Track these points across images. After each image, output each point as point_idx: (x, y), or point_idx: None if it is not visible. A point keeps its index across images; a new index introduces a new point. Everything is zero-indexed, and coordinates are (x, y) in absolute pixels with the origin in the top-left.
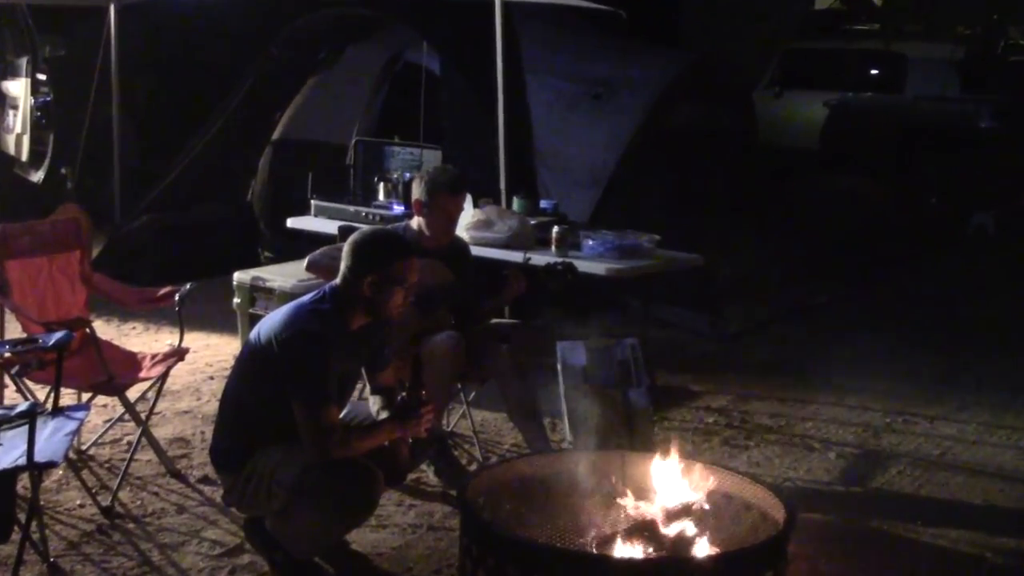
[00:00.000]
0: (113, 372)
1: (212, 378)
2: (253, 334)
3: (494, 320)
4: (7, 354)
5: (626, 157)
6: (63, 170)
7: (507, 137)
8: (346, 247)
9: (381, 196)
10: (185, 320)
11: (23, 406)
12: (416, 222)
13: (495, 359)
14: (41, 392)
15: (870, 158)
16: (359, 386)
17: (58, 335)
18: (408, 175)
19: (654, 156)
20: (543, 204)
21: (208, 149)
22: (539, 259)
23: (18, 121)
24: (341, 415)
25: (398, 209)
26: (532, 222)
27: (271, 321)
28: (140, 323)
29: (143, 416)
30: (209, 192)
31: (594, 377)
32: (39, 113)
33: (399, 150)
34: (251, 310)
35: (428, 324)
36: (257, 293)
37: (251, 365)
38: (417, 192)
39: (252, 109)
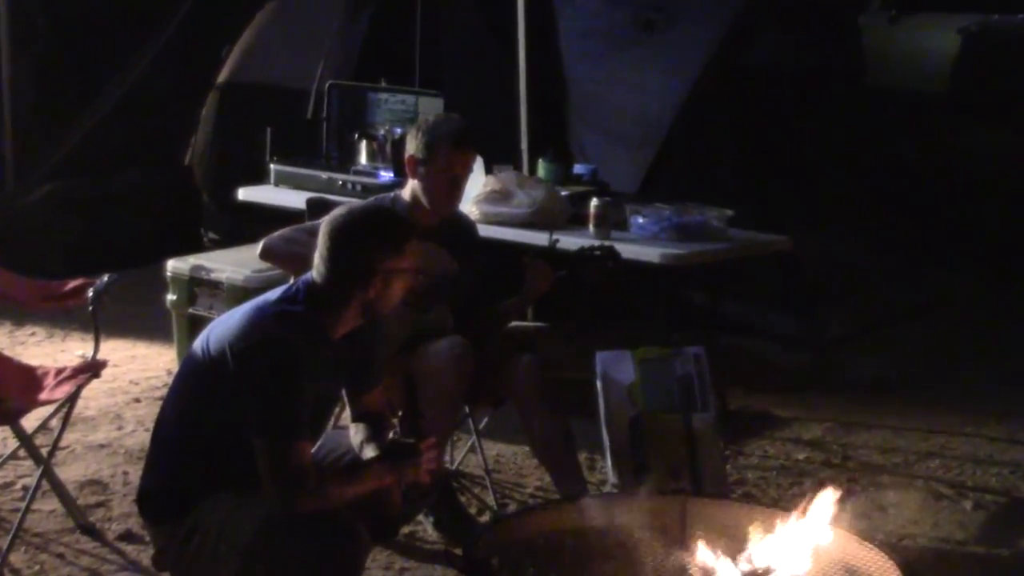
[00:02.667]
0: (4, 393)
1: (139, 401)
2: (198, 343)
3: (512, 323)
4: None
5: (688, 107)
6: None
7: (530, 81)
8: (324, 233)
9: (363, 159)
10: (103, 324)
11: None
12: (409, 190)
13: (514, 375)
14: None
15: (1020, 104)
16: (336, 411)
17: None
18: (399, 130)
19: (726, 105)
20: (578, 169)
21: (131, 97)
22: (571, 242)
23: None
24: (313, 451)
25: (386, 176)
26: (563, 193)
27: (224, 326)
28: (41, 327)
29: (44, 452)
30: (133, 154)
31: (645, 399)
32: None
33: (387, 98)
34: (191, 310)
35: (423, 328)
36: (199, 288)
37: (194, 385)
38: (411, 147)
39: (189, 43)
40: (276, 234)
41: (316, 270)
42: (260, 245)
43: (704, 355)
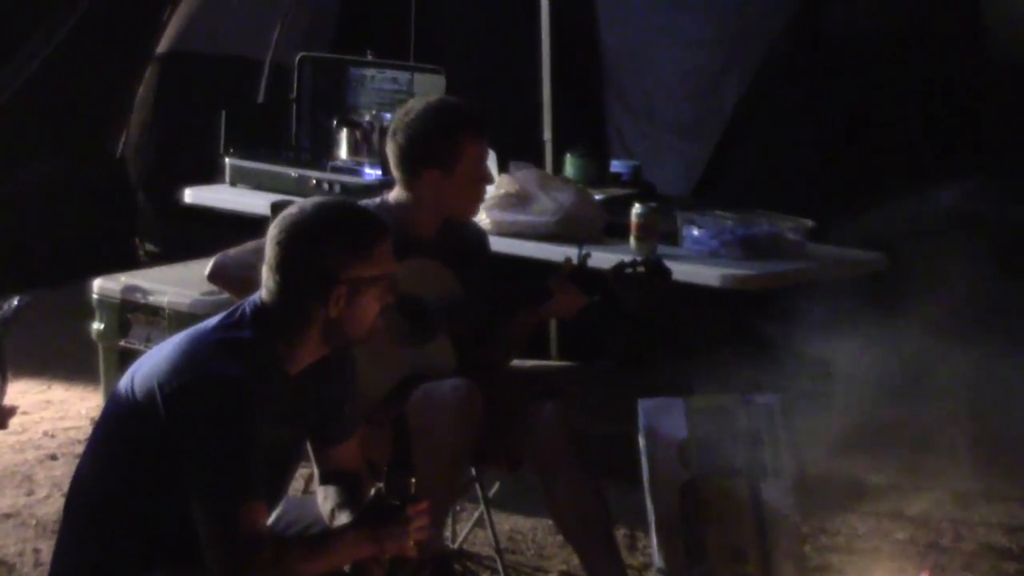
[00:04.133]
0: None
1: (54, 458)
2: (122, 383)
3: (531, 361)
4: None
5: (756, 87)
6: None
7: (556, 53)
8: (271, 236)
9: (343, 152)
10: (11, 360)
11: None
12: (401, 193)
13: (534, 427)
14: None
15: None
16: (301, 469)
17: None
18: (389, 116)
19: (805, 84)
20: (616, 167)
21: (46, 70)
22: (606, 258)
23: None
24: (271, 518)
25: (372, 174)
26: (597, 197)
27: (152, 361)
28: None
29: None
30: (48, 142)
31: (701, 459)
32: None
33: (373, 74)
34: (123, 342)
35: (418, 366)
36: (133, 314)
37: (117, 435)
38: (412, 149)
39: (121, 3)
40: (233, 250)
41: (264, 285)
42: (210, 263)
43: (777, 404)
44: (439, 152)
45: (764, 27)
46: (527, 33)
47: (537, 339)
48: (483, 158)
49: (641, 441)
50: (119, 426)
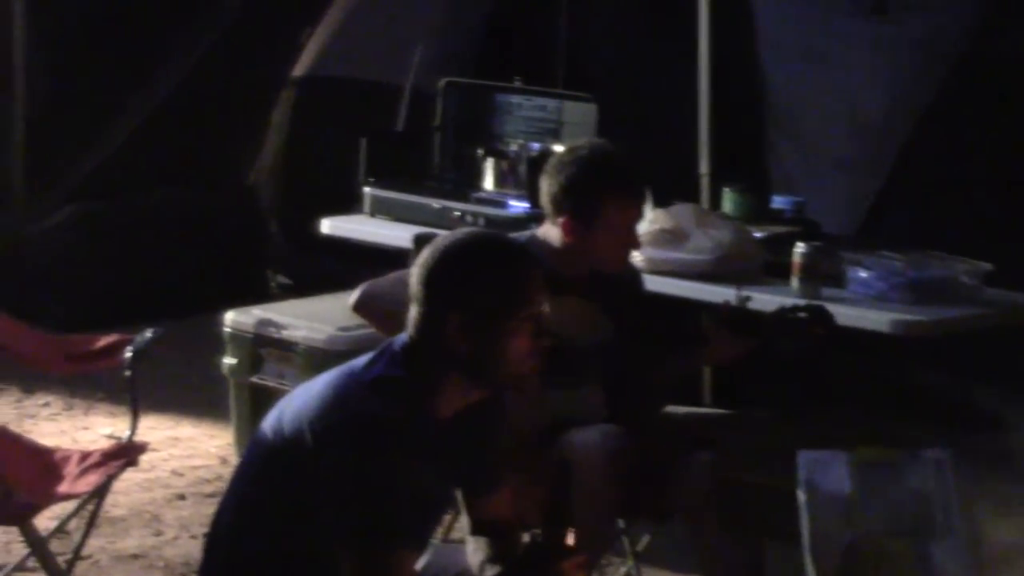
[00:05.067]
0: (12, 484)
1: (183, 498)
2: (268, 422)
3: (684, 409)
4: None
5: (928, 121)
6: None
7: (714, 81)
8: (417, 266)
9: (488, 182)
10: (141, 394)
11: None
12: (549, 230)
13: (685, 479)
14: None
15: None
16: (447, 517)
17: None
18: (537, 146)
19: (980, 118)
20: (777, 202)
21: (180, 95)
22: (767, 300)
23: None
24: (418, 568)
25: (519, 206)
26: (757, 235)
27: (301, 400)
28: (57, 396)
29: (62, 562)
30: (180, 169)
31: (866, 517)
32: None
33: (521, 102)
34: (255, 378)
35: (566, 412)
36: (266, 349)
37: (262, 478)
38: (560, 199)
39: (257, 27)
40: (377, 281)
41: (411, 323)
42: (354, 295)
43: (948, 460)
44: (579, 205)
45: (937, 59)
46: (684, 62)
47: (690, 385)
48: (628, 219)
49: (800, 496)
50: (264, 468)
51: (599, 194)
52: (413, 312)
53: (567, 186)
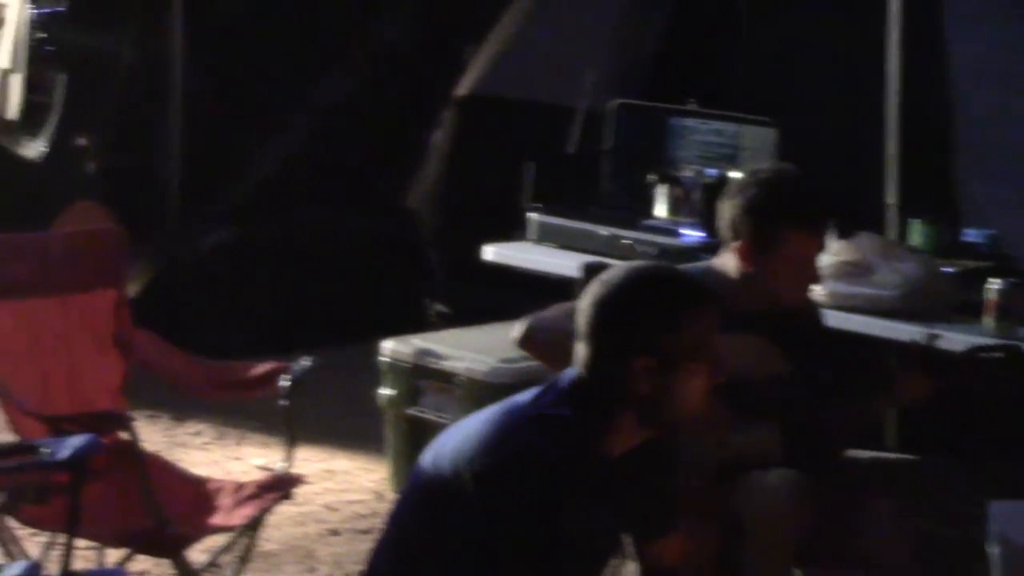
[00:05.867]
0: (166, 514)
1: (336, 534)
2: (427, 458)
3: (867, 453)
4: None
5: None
6: (80, 140)
7: (902, 108)
8: (587, 302)
9: (661, 209)
10: (296, 424)
11: (12, 571)
12: (726, 262)
13: (867, 528)
14: (35, 545)
15: None
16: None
17: (75, 442)
18: (712, 172)
19: None
20: (969, 236)
21: (337, 116)
22: (958, 340)
23: (2, 48)
24: None
25: (692, 235)
26: (947, 269)
27: (460, 437)
28: (209, 425)
29: None
30: (336, 192)
31: None
32: (41, 35)
33: (696, 125)
34: (412, 410)
35: (741, 454)
36: (425, 380)
37: (419, 518)
38: (738, 224)
39: (418, 44)
40: (543, 313)
41: (581, 360)
42: (519, 327)
43: None
44: (757, 231)
45: None
46: (871, 86)
47: (874, 428)
48: (809, 250)
49: (992, 550)
50: (422, 508)
51: (779, 220)
52: (584, 349)
53: (746, 209)
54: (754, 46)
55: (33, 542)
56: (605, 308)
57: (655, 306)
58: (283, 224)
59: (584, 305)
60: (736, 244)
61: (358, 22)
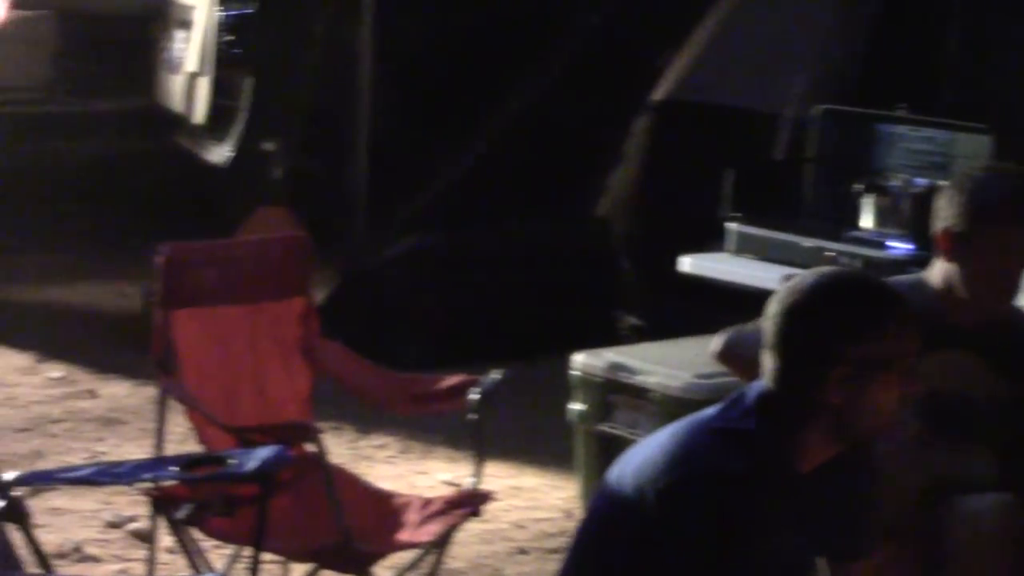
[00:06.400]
0: (352, 529)
1: (524, 552)
2: (613, 476)
3: None
4: (170, 482)
5: None
6: (267, 145)
7: None
8: (775, 310)
9: (867, 221)
10: (485, 438)
11: None
12: (939, 273)
13: None
14: (220, 557)
15: None
16: None
17: (263, 454)
18: (922, 182)
19: None
20: None
21: (527, 120)
22: None
23: (190, 51)
24: None
25: (900, 247)
26: None
27: (648, 452)
28: (394, 438)
29: None
30: (526, 198)
31: None
32: (229, 37)
33: (905, 132)
34: (603, 427)
35: (951, 476)
36: (616, 395)
37: (606, 538)
38: (945, 215)
39: (611, 46)
40: (743, 327)
41: (769, 372)
42: (717, 341)
43: None
44: (963, 219)
45: None
46: None
47: None
48: (1016, 240)
49: None
50: (607, 527)
51: (982, 209)
52: (773, 359)
53: (958, 205)
54: (968, 47)
55: (218, 554)
56: (797, 316)
57: (849, 313)
58: (472, 232)
59: (773, 313)
60: (944, 243)
61: (550, 24)
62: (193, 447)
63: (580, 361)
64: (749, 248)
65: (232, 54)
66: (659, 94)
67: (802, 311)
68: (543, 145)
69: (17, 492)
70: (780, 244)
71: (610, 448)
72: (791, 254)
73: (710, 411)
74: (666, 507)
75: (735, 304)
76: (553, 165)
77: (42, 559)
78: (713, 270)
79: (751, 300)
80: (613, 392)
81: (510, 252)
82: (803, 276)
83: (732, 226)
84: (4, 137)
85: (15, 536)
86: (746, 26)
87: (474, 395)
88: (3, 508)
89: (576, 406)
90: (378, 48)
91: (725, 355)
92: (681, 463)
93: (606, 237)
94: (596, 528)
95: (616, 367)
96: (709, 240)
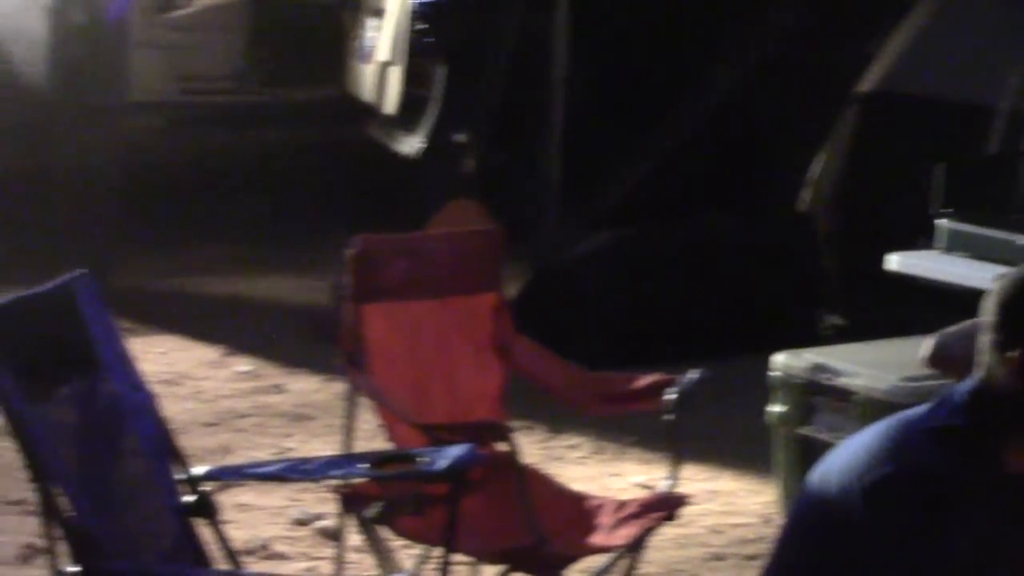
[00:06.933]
0: (545, 531)
1: (720, 558)
2: (813, 479)
3: None
4: (360, 480)
5: None
6: (458, 136)
7: None
8: (991, 303)
9: None
10: (681, 440)
11: None
12: None
13: None
14: (409, 557)
15: None
16: None
17: (454, 453)
18: None
19: None
20: None
21: (725, 108)
22: None
23: (382, 39)
24: None
25: None
26: None
27: (852, 450)
28: (586, 438)
29: None
30: (723, 191)
31: None
32: (422, 26)
33: None
34: (804, 430)
35: None
36: (818, 397)
37: (809, 543)
38: None
39: (816, 33)
40: (954, 329)
41: (983, 366)
42: (928, 344)
43: None
44: None
45: None
46: None
47: None
48: None
49: None
50: (809, 532)
51: None
52: (987, 355)
53: None
54: None
55: (407, 554)
56: (1000, 312)
57: None
58: (666, 227)
59: (989, 307)
60: None
61: (749, 12)
62: (382, 444)
63: (780, 361)
64: (960, 246)
65: (424, 43)
66: (866, 85)
67: (1017, 307)
68: (740, 138)
69: (206, 487)
70: (994, 242)
71: (811, 452)
72: (1005, 252)
73: (918, 410)
74: (872, 506)
75: (944, 304)
76: (751, 158)
77: (230, 555)
78: (922, 268)
79: (961, 300)
80: (815, 394)
81: (704, 248)
82: (1018, 270)
83: (942, 223)
84: (196, 127)
85: (204, 531)
86: (959, 16)
87: (670, 395)
88: (193, 503)
89: (776, 408)
90: (572, 38)
91: (936, 359)
92: (887, 461)
93: (809, 233)
94: (800, 533)
95: (818, 368)
96: (918, 237)
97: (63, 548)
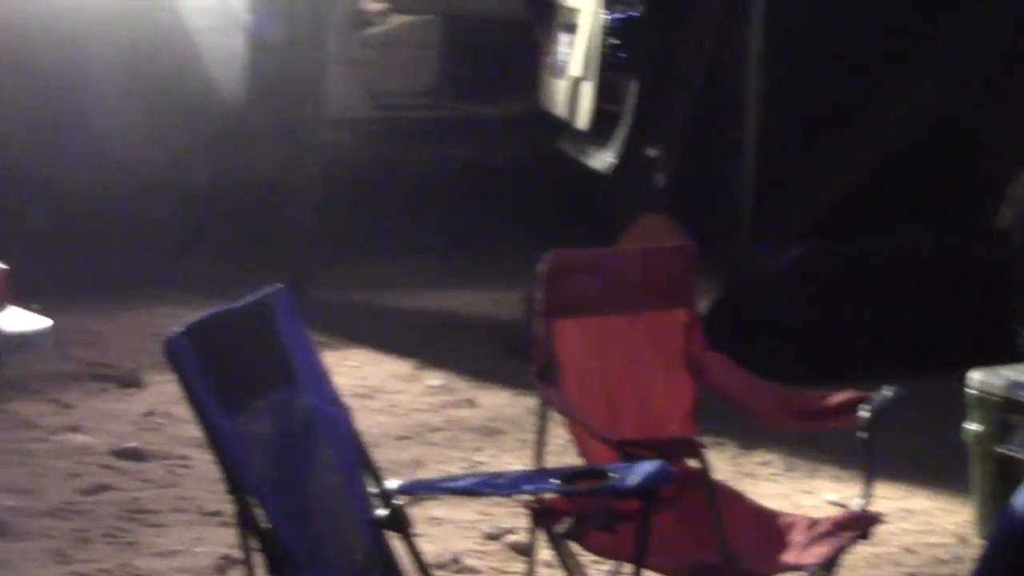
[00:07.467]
0: (735, 548)
1: None
2: (1019, 501)
3: None
4: (551, 495)
5: None
6: (651, 152)
7: None
8: None
9: None
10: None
11: None
12: None
13: None
14: (599, 573)
15: None
16: None
17: (645, 469)
18: None
19: None
20: None
21: (923, 119)
22: None
23: (575, 55)
24: None
25: None
26: None
27: None
28: (778, 455)
29: None
30: (919, 204)
31: None
32: (615, 42)
33: None
34: (1003, 448)
35: None
36: (1017, 417)
37: (1019, 564)
38: None
39: (1016, 44)
40: None
41: None
42: None
43: None
44: None
45: None
46: None
47: None
48: None
49: None
50: (1018, 553)
51: None
52: None
53: None
54: None
55: (597, 570)
56: None
57: None
58: (858, 243)
59: None
60: None
61: (946, 24)
62: (572, 459)
63: (977, 379)
64: None
65: (617, 58)
66: None
67: None
68: (936, 152)
69: (399, 501)
70: None
71: (1009, 471)
72: None
73: None
74: None
75: None
76: (947, 172)
77: (422, 569)
78: None
79: None
80: (1012, 412)
81: (897, 263)
82: None
83: None
84: (391, 143)
85: (396, 545)
86: None
87: (864, 412)
88: (386, 517)
89: (972, 426)
90: (766, 51)
91: None
92: None
93: (1007, 248)
94: (1004, 556)
95: (1017, 386)
96: None
97: (259, 559)
